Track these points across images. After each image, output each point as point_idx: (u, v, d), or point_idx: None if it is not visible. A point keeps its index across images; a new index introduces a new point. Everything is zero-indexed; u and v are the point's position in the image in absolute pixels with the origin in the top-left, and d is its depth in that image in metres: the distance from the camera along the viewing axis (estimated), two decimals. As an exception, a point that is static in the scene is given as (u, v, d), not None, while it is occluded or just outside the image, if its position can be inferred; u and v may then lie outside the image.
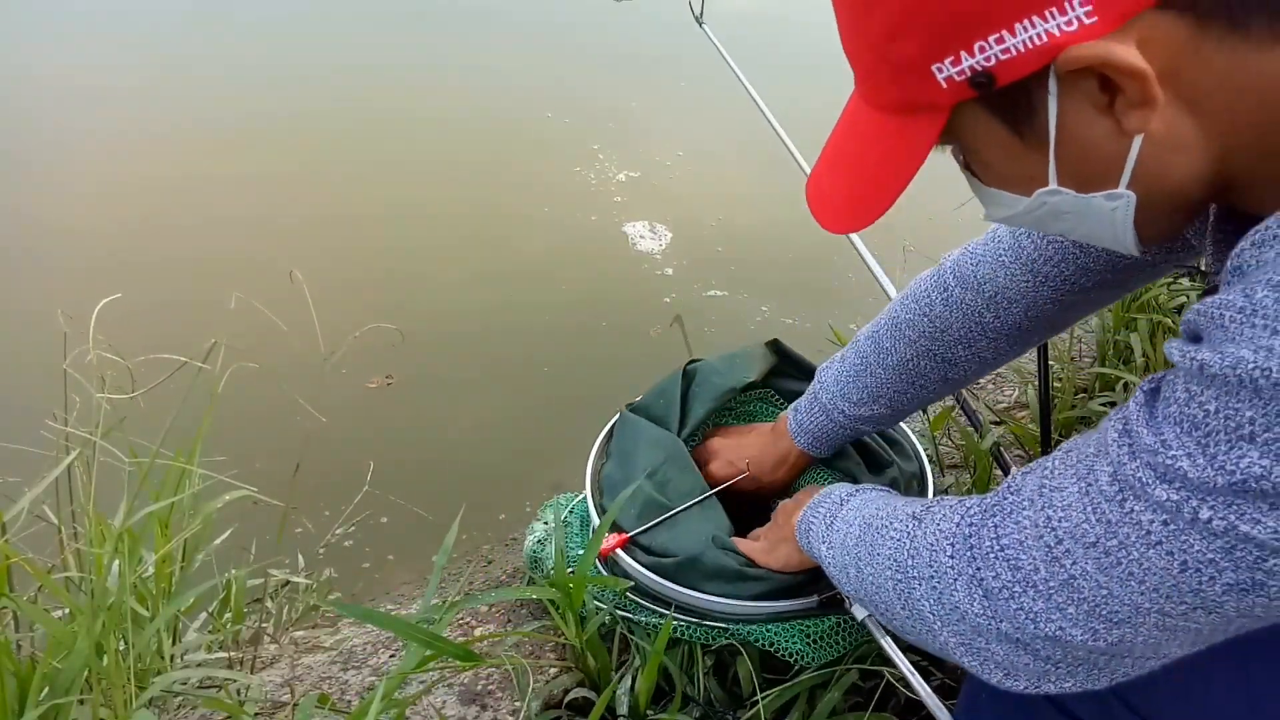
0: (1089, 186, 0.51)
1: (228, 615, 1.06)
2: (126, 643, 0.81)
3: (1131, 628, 0.49)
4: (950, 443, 1.42)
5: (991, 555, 0.55)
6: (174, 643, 0.96)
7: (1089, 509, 0.49)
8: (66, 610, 0.81)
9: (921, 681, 0.82)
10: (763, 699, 0.87)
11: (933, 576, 0.60)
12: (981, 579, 0.56)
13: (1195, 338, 0.44)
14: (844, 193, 0.58)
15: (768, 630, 0.91)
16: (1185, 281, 1.58)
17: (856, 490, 0.82)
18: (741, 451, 1.08)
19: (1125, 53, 0.43)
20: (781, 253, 2.50)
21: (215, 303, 1.93)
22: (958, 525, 0.60)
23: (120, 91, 2.98)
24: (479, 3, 3.95)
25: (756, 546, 0.93)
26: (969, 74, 0.47)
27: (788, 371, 1.21)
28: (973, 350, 0.89)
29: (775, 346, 1.20)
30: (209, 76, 3.14)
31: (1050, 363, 1.13)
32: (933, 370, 0.92)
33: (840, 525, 0.77)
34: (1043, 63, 0.45)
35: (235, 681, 0.94)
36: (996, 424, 1.34)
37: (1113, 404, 1.39)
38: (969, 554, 0.58)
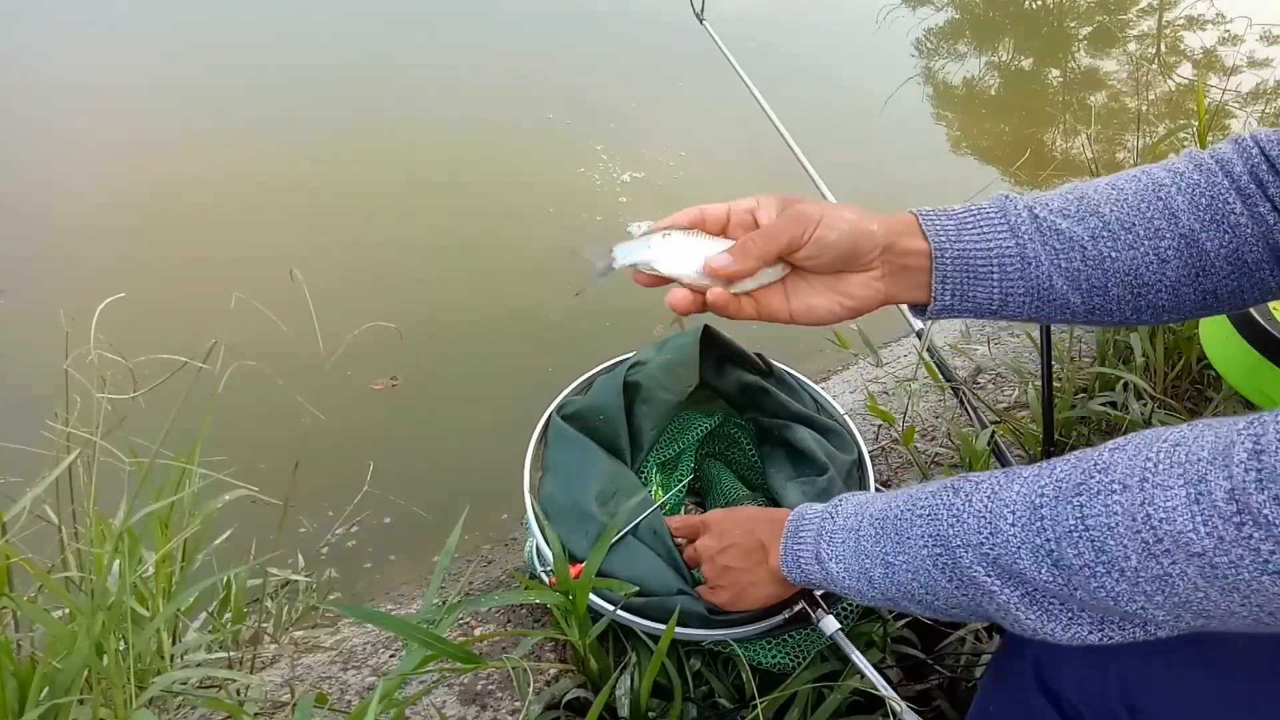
0: None
1: (228, 615, 1.06)
2: (126, 642, 0.81)
3: (1219, 621, 0.49)
4: (950, 443, 1.42)
5: (1074, 533, 0.53)
6: (174, 642, 0.96)
7: (1199, 519, 0.46)
8: (66, 610, 0.81)
9: (893, 692, 0.82)
10: (761, 702, 0.87)
11: (985, 542, 0.58)
12: (1054, 551, 0.54)
13: None
14: None
15: (745, 648, 0.93)
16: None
17: (836, 502, 0.78)
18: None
19: None
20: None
21: (215, 302, 1.93)
22: (1020, 494, 0.57)
23: (120, 92, 2.98)
24: (476, 4, 3.95)
25: (721, 598, 0.89)
26: None
27: (723, 360, 1.16)
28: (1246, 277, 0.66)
29: (706, 335, 1.15)
30: (209, 77, 3.14)
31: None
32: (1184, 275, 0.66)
33: (842, 535, 0.74)
34: None
35: (235, 681, 0.94)
36: (995, 423, 1.34)
37: (1113, 404, 1.39)
38: (1039, 524, 0.55)
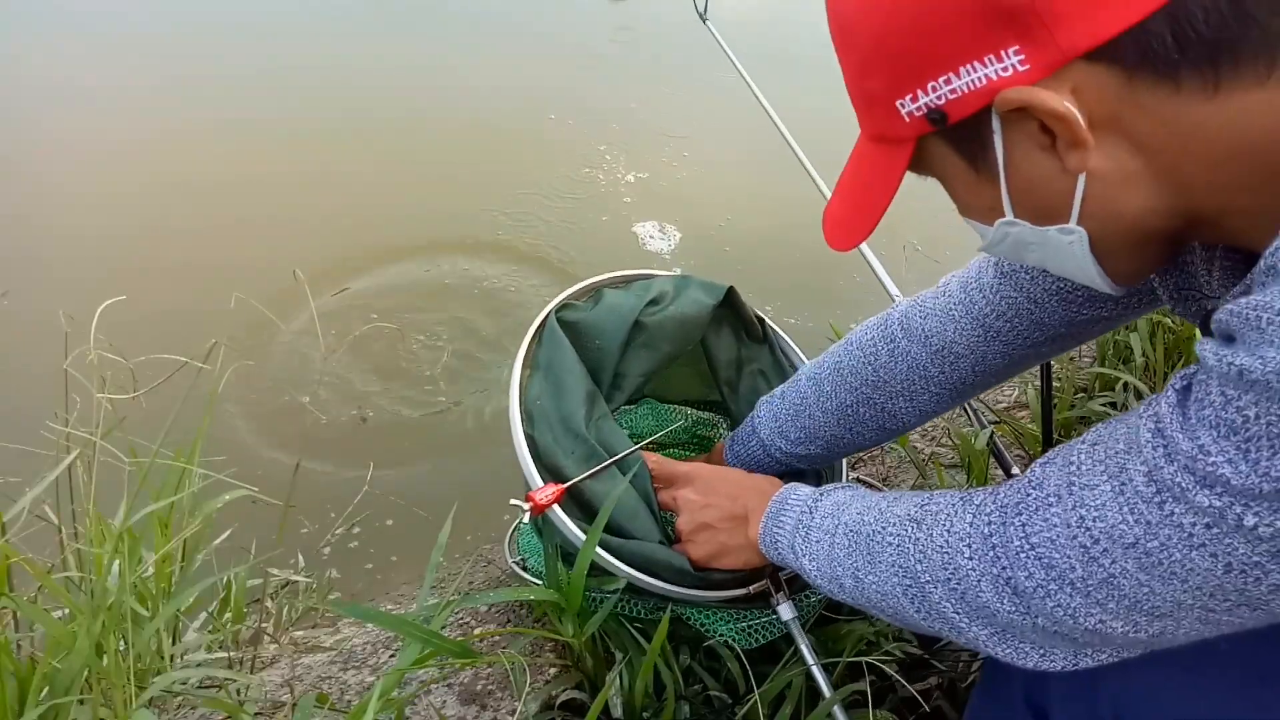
0: (1043, 220, 0.53)
1: (228, 615, 1.06)
2: (126, 643, 0.81)
3: (1174, 620, 0.49)
4: (949, 443, 1.42)
5: (1021, 554, 0.54)
6: (174, 642, 0.96)
7: (1125, 509, 0.48)
8: (66, 610, 0.81)
9: (830, 688, 0.83)
10: (758, 692, 0.87)
11: (950, 579, 0.60)
12: (1010, 578, 0.55)
13: (1228, 338, 0.44)
14: (841, 216, 0.63)
15: (701, 614, 0.91)
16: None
17: (820, 493, 0.80)
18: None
19: (1049, 98, 0.46)
20: (786, 254, 2.50)
21: (215, 303, 1.93)
22: (972, 524, 0.59)
23: (121, 93, 2.99)
24: (474, 4, 3.95)
25: (697, 553, 0.88)
26: (925, 110, 0.51)
27: (728, 326, 1.12)
28: (914, 403, 0.90)
29: (730, 297, 1.11)
30: (209, 78, 3.14)
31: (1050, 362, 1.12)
32: (871, 418, 0.92)
33: (818, 535, 0.75)
34: (984, 103, 0.49)
35: (235, 681, 0.94)
36: (995, 423, 1.34)
37: (1113, 404, 1.39)
38: (991, 554, 0.57)
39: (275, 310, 1.21)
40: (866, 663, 0.92)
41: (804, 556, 0.76)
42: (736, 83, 1.60)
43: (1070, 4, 0.44)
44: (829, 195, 1.39)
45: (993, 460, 1.17)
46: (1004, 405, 1.55)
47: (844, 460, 1.07)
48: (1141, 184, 0.48)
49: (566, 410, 0.91)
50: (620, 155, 2.90)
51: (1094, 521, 0.50)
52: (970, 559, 0.58)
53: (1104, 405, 1.39)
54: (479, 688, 0.99)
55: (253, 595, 1.14)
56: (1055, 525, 0.52)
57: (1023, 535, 0.55)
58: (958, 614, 0.60)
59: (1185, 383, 0.47)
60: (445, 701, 0.97)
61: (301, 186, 2.62)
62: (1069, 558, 0.51)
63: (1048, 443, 1.06)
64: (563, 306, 1.03)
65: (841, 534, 0.72)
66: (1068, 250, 0.54)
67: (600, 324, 1.00)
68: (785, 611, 0.86)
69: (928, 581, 0.62)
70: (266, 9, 3.68)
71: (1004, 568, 0.55)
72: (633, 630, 0.94)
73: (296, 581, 1.26)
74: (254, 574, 1.12)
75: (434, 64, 3.42)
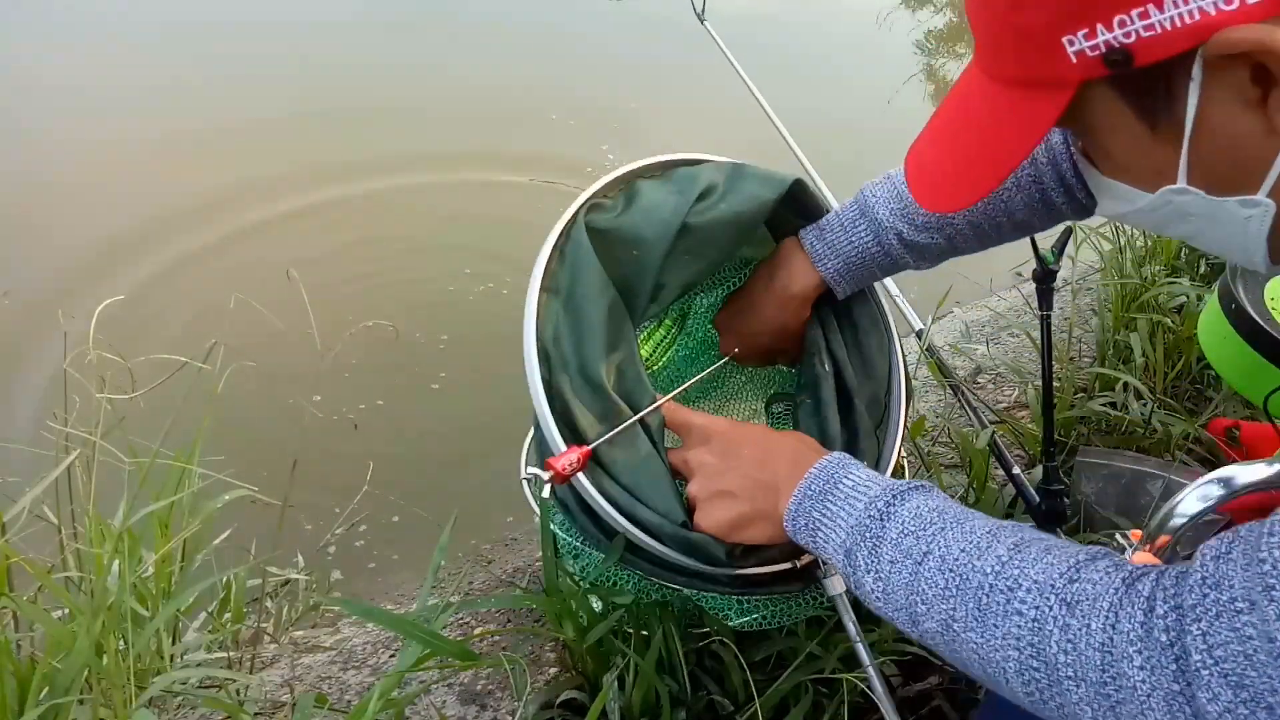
0: (1223, 189, 0.46)
1: (227, 615, 1.06)
2: (126, 642, 0.81)
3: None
4: (949, 442, 1.42)
5: (1204, 671, 0.44)
6: (174, 642, 0.96)
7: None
8: (66, 610, 0.81)
9: (885, 690, 0.75)
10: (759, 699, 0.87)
11: (1108, 684, 0.49)
12: (1193, 697, 0.45)
13: None
14: (948, 168, 0.53)
15: (719, 600, 0.82)
16: (1185, 282, 1.58)
17: (891, 493, 0.65)
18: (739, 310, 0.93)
19: None
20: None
21: (215, 303, 1.93)
22: (1145, 625, 0.48)
23: (121, 93, 2.98)
24: (473, 4, 3.95)
25: (708, 523, 0.73)
26: (1103, 50, 0.42)
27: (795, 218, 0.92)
28: (1064, 186, 0.81)
29: (796, 187, 0.90)
30: (210, 78, 3.14)
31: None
32: (1022, 209, 0.81)
33: (894, 555, 0.61)
34: (1191, 44, 0.40)
35: (235, 681, 0.94)
36: (995, 423, 1.34)
37: (1113, 404, 1.39)
38: (1174, 668, 0.46)
39: (275, 310, 1.21)
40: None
41: (866, 571, 0.63)
42: (736, 82, 1.60)
43: None
44: (828, 195, 1.39)
45: (993, 461, 1.17)
46: (1004, 405, 1.55)
47: (898, 419, 0.90)
48: None
49: (586, 354, 0.75)
50: (622, 154, 2.90)
51: None
52: (1142, 669, 0.47)
53: (1104, 405, 1.39)
54: (479, 688, 0.99)
55: (252, 595, 1.14)
56: (1249, 638, 0.42)
57: (1205, 647, 0.44)
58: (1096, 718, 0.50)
59: None
60: (445, 702, 0.97)
61: (301, 186, 2.61)
62: (1269, 677, 0.42)
63: (1048, 442, 1.06)
64: (591, 207, 0.85)
65: (935, 569, 0.59)
66: (1238, 225, 0.47)
67: (637, 230, 0.82)
68: (835, 586, 0.74)
69: (1069, 677, 0.51)
70: (268, 8, 3.68)
71: (1187, 684, 0.45)
72: (634, 629, 0.94)
73: (296, 579, 1.26)
74: (253, 574, 1.12)
75: (434, 64, 3.42)
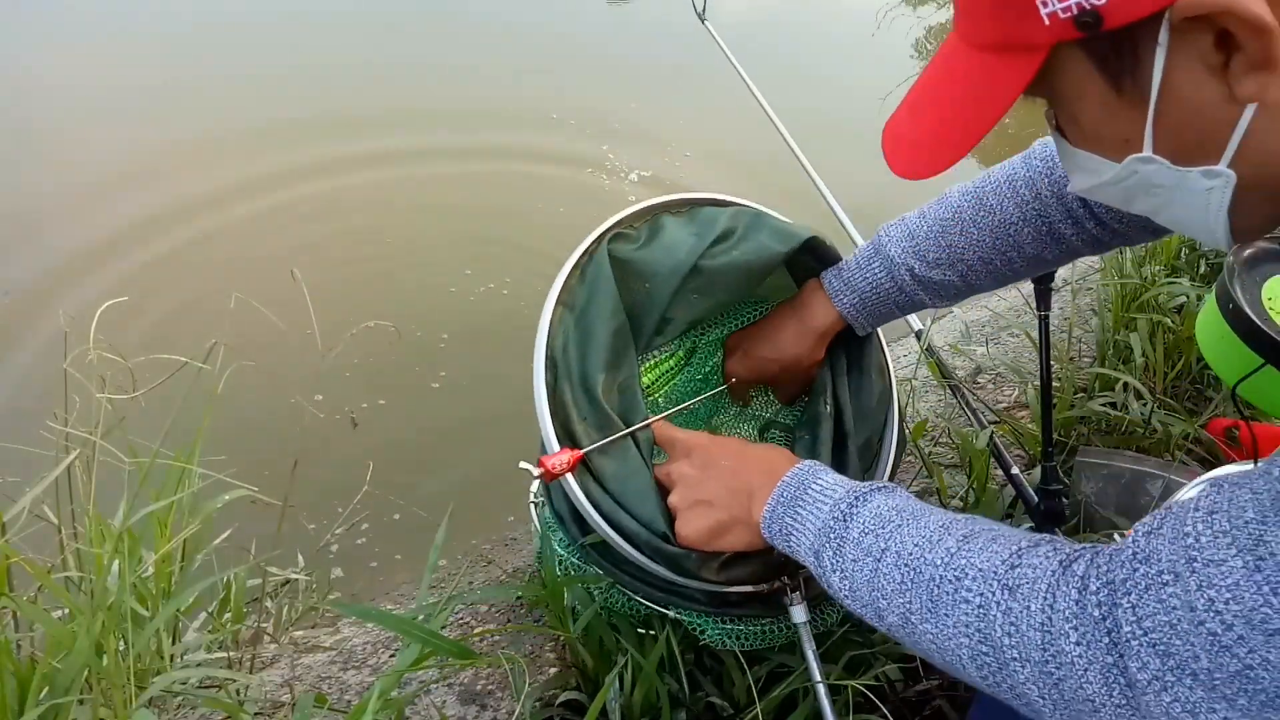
0: (1186, 158, 0.46)
1: (227, 615, 1.06)
2: (126, 642, 0.81)
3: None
4: (949, 442, 1.42)
5: (1134, 642, 0.46)
6: (174, 642, 0.96)
7: (1266, 589, 0.41)
8: (66, 610, 0.81)
9: (829, 703, 0.78)
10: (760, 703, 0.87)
11: (1049, 662, 0.51)
12: (1125, 668, 0.47)
13: None
14: (923, 134, 0.54)
15: (690, 614, 0.85)
16: (1185, 282, 1.58)
17: (853, 495, 0.68)
18: (763, 337, 0.94)
19: (1254, 3, 0.39)
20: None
21: (215, 303, 1.93)
22: (1079, 602, 0.50)
23: (121, 93, 2.98)
24: (473, 5, 3.95)
25: (688, 530, 0.76)
26: (1075, 11, 0.43)
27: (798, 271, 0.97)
28: (1078, 227, 0.81)
29: (810, 245, 0.93)
30: (208, 78, 3.14)
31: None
32: (1031, 240, 0.82)
33: (856, 554, 0.64)
34: (1158, 6, 0.41)
35: (235, 681, 0.94)
36: (995, 423, 1.34)
37: (1113, 404, 1.39)
38: (1107, 640, 0.48)
39: (275, 310, 1.21)
40: (866, 665, 0.92)
41: (833, 571, 0.66)
42: (736, 83, 1.60)
43: None
44: (828, 195, 1.39)
45: (993, 461, 1.17)
46: (1004, 405, 1.55)
47: (886, 467, 0.94)
48: None
49: (588, 368, 0.80)
50: (623, 155, 2.90)
51: (1225, 604, 0.42)
52: (1078, 644, 0.49)
53: (1104, 405, 1.39)
54: (479, 687, 0.99)
55: (252, 595, 1.14)
56: (1175, 608, 0.45)
57: (1134, 619, 0.47)
58: (1043, 698, 0.52)
59: None
60: (445, 701, 0.97)
61: (301, 186, 2.62)
62: (1192, 645, 0.44)
63: (1048, 442, 1.06)
64: (616, 235, 0.89)
65: (892, 564, 0.61)
66: (1199, 198, 0.47)
67: (653, 265, 0.87)
68: (798, 614, 0.78)
69: (1014, 659, 0.53)
70: (269, 8, 3.68)
71: (1120, 656, 0.47)
72: (632, 624, 0.94)
73: (296, 579, 1.26)
74: (254, 574, 1.12)
75: (434, 64, 3.42)
